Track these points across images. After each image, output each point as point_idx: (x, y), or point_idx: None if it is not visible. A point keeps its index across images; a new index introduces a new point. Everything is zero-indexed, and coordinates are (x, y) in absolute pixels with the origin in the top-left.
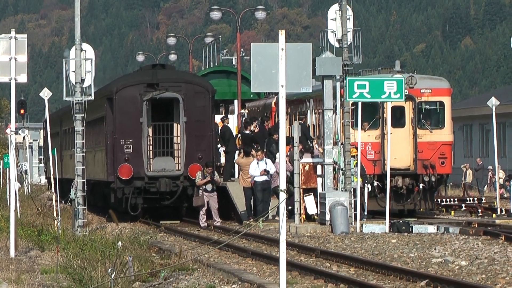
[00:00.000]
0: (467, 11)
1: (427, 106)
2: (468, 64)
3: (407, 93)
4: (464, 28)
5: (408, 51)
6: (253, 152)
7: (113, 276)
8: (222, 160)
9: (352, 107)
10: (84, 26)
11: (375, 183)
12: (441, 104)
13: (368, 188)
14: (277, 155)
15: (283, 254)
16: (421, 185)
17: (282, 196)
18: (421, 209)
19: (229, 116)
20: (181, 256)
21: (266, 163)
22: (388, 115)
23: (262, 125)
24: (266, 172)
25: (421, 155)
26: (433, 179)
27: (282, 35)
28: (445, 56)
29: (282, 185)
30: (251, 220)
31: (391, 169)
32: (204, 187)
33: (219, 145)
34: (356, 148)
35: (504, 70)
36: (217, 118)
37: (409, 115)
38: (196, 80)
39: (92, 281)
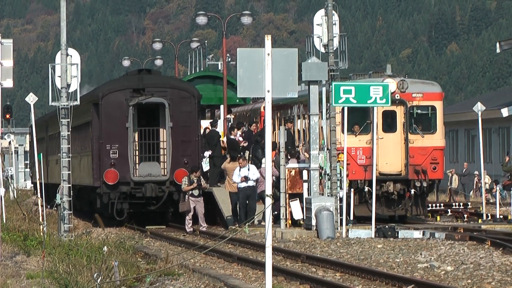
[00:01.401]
0: (453, 16)
1: (419, 111)
2: (454, 69)
3: (398, 98)
4: (450, 34)
5: (394, 56)
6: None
7: (99, 281)
8: (204, 165)
9: (338, 112)
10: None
11: (366, 189)
12: (433, 108)
13: (352, 194)
14: (263, 160)
15: (268, 259)
16: (412, 191)
17: (268, 201)
18: (409, 215)
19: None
20: (168, 261)
21: (248, 169)
22: (374, 120)
23: (248, 130)
24: (245, 178)
25: (412, 160)
26: (424, 184)
27: (268, 40)
28: (431, 62)
29: (268, 190)
30: (237, 225)
31: (382, 174)
32: (191, 192)
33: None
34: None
35: (489, 75)
36: (205, 123)
37: (400, 119)
38: (182, 85)
39: (78, 286)
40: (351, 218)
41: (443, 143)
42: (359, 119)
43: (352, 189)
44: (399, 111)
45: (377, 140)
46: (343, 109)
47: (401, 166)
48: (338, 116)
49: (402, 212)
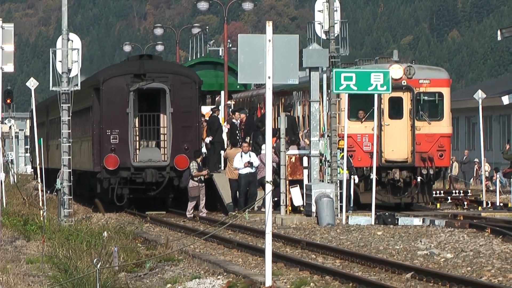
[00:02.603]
0: (454, 3)
1: (426, 97)
2: (455, 57)
3: (405, 84)
4: (451, 21)
5: (395, 43)
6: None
7: (98, 266)
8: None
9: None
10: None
11: (372, 176)
12: (440, 95)
13: (354, 180)
14: (263, 146)
15: (268, 245)
16: (419, 178)
17: (268, 187)
18: (415, 202)
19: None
20: (168, 247)
21: (249, 156)
22: (375, 106)
23: (250, 116)
24: (249, 164)
25: (419, 147)
26: (431, 172)
27: (269, 26)
28: (432, 49)
29: (268, 176)
30: (237, 211)
31: (388, 161)
32: (197, 178)
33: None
34: (343, 140)
35: (490, 63)
36: (205, 109)
37: (407, 106)
38: (183, 71)
39: (78, 271)
40: (351, 204)
41: (450, 130)
42: (365, 105)
43: (352, 175)
44: (406, 97)
45: (383, 127)
46: (349, 95)
47: (407, 153)
48: (343, 102)
49: (408, 199)
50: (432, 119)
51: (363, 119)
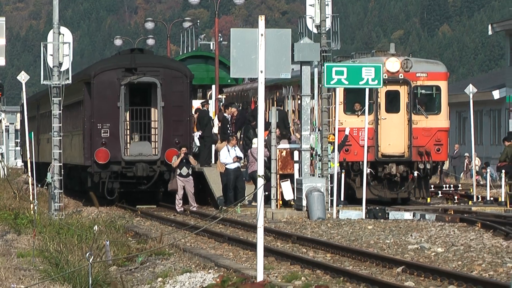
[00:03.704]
0: None
1: (423, 91)
2: (446, 51)
3: (402, 77)
4: (442, 16)
5: (386, 37)
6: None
7: (91, 260)
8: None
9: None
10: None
11: (368, 170)
12: (438, 88)
13: (342, 174)
14: (254, 140)
15: (260, 240)
16: (415, 173)
17: (260, 181)
18: (412, 197)
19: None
20: (161, 241)
21: (235, 150)
22: (367, 101)
23: (242, 110)
24: (238, 158)
25: (416, 141)
26: (428, 166)
27: (261, 20)
28: (423, 43)
29: (260, 170)
30: (227, 206)
31: (384, 155)
32: (179, 171)
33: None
34: (334, 134)
35: (481, 57)
36: (196, 103)
37: (404, 100)
38: (174, 65)
39: (69, 265)
40: (342, 199)
41: (448, 124)
42: (361, 98)
43: (342, 170)
44: (403, 91)
45: (380, 121)
46: (344, 89)
47: (404, 148)
48: (340, 96)
49: (404, 194)
50: (429, 113)
51: (359, 113)
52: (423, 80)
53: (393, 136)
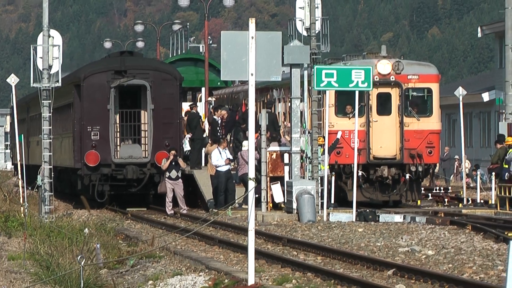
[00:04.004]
0: (434, 0)
1: (414, 93)
2: (435, 54)
3: (393, 79)
4: (432, 18)
5: (375, 40)
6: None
7: (82, 263)
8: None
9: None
10: (52, 12)
11: (360, 173)
12: (429, 91)
13: (332, 176)
14: (244, 143)
15: (251, 242)
16: (407, 175)
17: (251, 184)
18: (403, 200)
19: (197, 104)
20: (153, 244)
21: (225, 152)
22: (357, 103)
23: (232, 112)
24: (230, 161)
25: (407, 144)
26: (420, 169)
27: (252, 23)
28: (412, 46)
29: (251, 173)
30: (218, 208)
31: (376, 158)
32: (168, 174)
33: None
34: (324, 137)
35: (471, 60)
36: (186, 106)
37: (395, 102)
38: (164, 67)
39: (60, 268)
40: (332, 201)
41: (439, 126)
42: (353, 100)
43: (332, 173)
44: (394, 93)
45: (372, 123)
46: (336, 91)
47: (396, 150)
48: (332, 98)
49: (396, 197)
50: (421, 115)
51: (351, 115)
52: (415, 83)
53: (385, 139)
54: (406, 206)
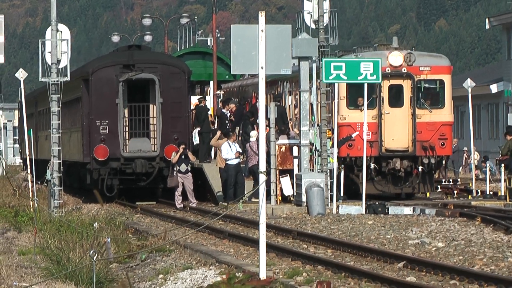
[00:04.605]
0: None
1: (427, 85)
2: (443, 45)
3: (405, 71)
4: (439, 10)
5: (382, 32)
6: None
7: (95, 258)
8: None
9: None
10: (59, 6)
11: (372, 166)
12: (441, 82)
13: (341, 170)
14: (252, 133)
15: (262, 236)
16: (420, 168)
17: (262, 177)
18: (416, 193)
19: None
20: (165, 238)
21: (235, 146)
22: (365, 96)
23: (240, 106)
24: (240, 154)
25: (420, 136)
26: (432, 161)
27: (262, 16)
28: (420, 38)
29: (262, 166)
30: (229, 202)
31: (388, 150)
32: (178, 167)
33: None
34: (333, 130)
35: (478, 52)
36: (194, 99)
37: (407, 94)
38: (172, 61)
39: (70, 262)
40: (342, 194)
41: (452, 118)
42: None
43: (341, 166)
44: (406, 85)
45: (383, 115)
46: (347, 83)
47: (408, 142)
48: (343, 90)
49: (409, 189)
50: (433, 107)
51: (363, 107)
52: (427, 74)
53: (397, 131)
54: (415, 198)
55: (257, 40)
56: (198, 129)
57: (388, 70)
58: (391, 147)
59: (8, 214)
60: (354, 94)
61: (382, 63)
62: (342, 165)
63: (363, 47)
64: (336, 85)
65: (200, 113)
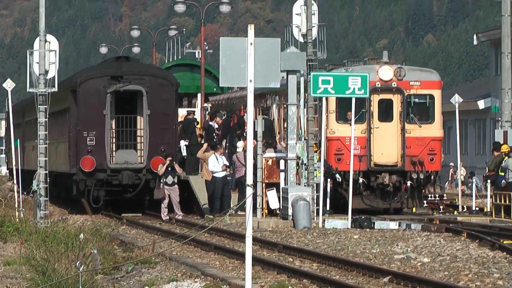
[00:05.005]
0: (430, 7)
1: (416, 100)
2: (430, 61)
3: (395, 85)
4: (427, 25)
5: (370, 46)
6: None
7: (81, 269)
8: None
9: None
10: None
11: (361, 180)
12: (431, 97)
13: (337, 179)
14: (238, 144)
15: (249, 249)
16: (409, 183)
17: (249, 190)
18: (404, 208)
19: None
20: (153, 249)
21: (222, 158)
22: (353, 110)
23: (227, 118)
24: (227, 167)
25: (409, 151)
26: (421, 176)
27: (251, 29)
28: (408, 53)
29: (249, 179)
30: (215, 214)
31: (377, 165)
32: (164, 180)
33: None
34: (320, 144)
35: (466, 67)
36: (182, 112)
37: (397, 108)
38: (160, 73)
39: (56, 273)
40: (328, 208)
41: (441, 133)
42: (355, 107)
43: (328, 178)
44: (396, 99)
45: (373, 130)
46: (337, 97)
47: (397, 157)
48: (332, 104)
49: (397, 205)
50: (423, 122)
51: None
52: (417, 89)
53: (386, 145)
54: (401, 213)
55: (246, 53)
56: (185, 142)
57: (378, 84)
58: (380, 161)
59: None
60: (344, 108)
61: (372, 77)
62: (329, 179)
63: (353, 61)
64: (324, 98)
65: (188, 125)
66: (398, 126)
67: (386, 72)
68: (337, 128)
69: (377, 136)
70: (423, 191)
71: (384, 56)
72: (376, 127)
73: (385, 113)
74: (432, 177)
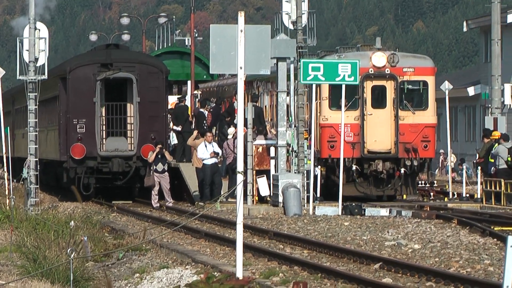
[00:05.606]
0: None
1: (410, 86)
2: (420, 48)
3: (388, 72)
4: (417, 12)
5: (360, 33)
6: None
7: (72, 256)
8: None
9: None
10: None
11: (354, 167)
12: (425, 84)
13: (317, 171)
14: (229, 131)
15: (240, 236)
16: (402, 170)
17: (240, 178)
18: (398, 195)
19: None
20: (144, 236)
21: (213, 146)
22: (343, 97)
23: (216, 106)
24: (215, 154)
25: (402, 137)
26: (415, 163)
27: (241, 17)
28: (397, 40)
29: (240, 166)
30: (206, 201)
31: (370, 152)
32: (154, 167)
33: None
34: (310, 131)
35: (455, 54)
36: (172, 99)
37: (390, 95)
38: (150, 60)
39: (46, 260)
40: (318, 195)
41: (435, 120)
42: (347, 94)
43: (317, 166)
44: (389, 86)
45: (366, 116)
46: (330, 84)
47: (390, 144)
48: (326, 91)
49: (391, 192)
50: (417, 109)
51: (345, 108)
52: (410, 75)
53: (380, 132)
54: (394, 200)
55: (236, 40)
56: (178, 128)
57: (371, 70)
58: (373, 148)
59: None
60: (337, 95)
61: (365, 63)
62: (319, 166)
63: (346, 48)
64: (316, 85)
65: (182, 112)
66: (392, 112)
67: (379, 59)
68: (330, 115)
69: (370, 123)
70: (416, 178)
71: (377, 42)
72: (369, 114)
73: (379, 99)
74: (426, 164)
